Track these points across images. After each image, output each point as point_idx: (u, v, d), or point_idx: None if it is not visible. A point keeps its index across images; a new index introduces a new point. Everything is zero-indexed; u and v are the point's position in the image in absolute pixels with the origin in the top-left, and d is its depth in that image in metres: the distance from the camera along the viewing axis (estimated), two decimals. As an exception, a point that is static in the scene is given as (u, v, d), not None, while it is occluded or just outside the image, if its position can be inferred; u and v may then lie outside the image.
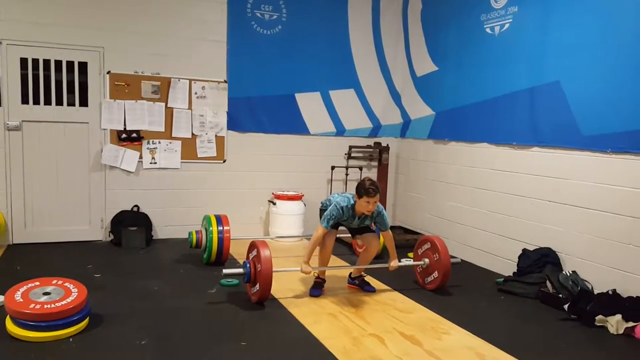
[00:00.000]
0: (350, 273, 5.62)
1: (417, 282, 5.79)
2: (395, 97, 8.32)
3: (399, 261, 5.44)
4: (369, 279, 5.62)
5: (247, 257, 5.12)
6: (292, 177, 7.90)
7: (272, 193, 7.60)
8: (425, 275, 5.64)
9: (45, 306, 3.96)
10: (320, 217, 5.27)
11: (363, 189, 4.89)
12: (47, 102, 6.62)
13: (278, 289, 5.25)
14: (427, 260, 5.60)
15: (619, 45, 4.94)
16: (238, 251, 6.55)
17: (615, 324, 4.49)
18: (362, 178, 5.25)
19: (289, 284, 5.53)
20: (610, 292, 4.83)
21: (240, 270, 5.00)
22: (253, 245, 5.05)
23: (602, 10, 5.10)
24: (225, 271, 4.98)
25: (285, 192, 7.58)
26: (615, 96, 4.96)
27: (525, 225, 5.97)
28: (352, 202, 5.08)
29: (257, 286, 4.84)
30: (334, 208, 5.07)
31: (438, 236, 5.79)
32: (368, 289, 5.46)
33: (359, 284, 5.51)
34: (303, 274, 5.14)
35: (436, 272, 5.48)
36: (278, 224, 7.47)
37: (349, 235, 5.64)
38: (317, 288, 5.31)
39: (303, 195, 7.61)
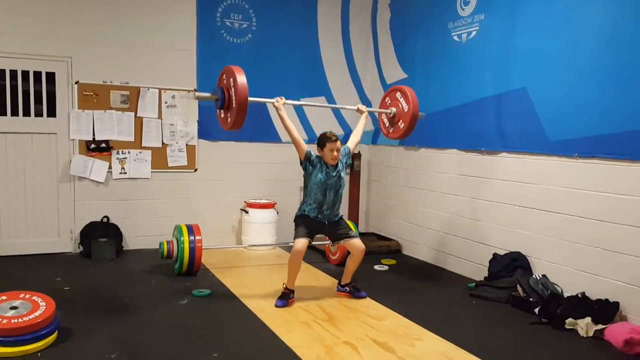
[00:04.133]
0: (339, 281, 5.58)
1: (380, 130, 5.94)
2: (366, 104, 8.32)
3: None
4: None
5: (220, 84, 5.12)
6: (264, 185, 7.87)
7: (244, 201, 7.56)
8: (391, 125, 5.73)
9: (13, 321, 3.89)
10: (296, 228, 5.26)
11: (324, 138, 5.17)
12: (14, 112, 6.52)
13: (250, 296, 5.26)
14: (394, 109, 5.70)
15: (583, 51, 5.02)
16: (210, 261, 6.51)
17: (585, 326, 4.55)
18: None
19: (262, 291, 5.51)
20: (579, 295, 4.90)
21: (213, 94, 5.07)
22: (225, 71, 5.05)
23: (567, 18, 5.18)
24: (197, 94, 5.01)
25: (258, 201, 7.55)
26: (580, 102, 5.03)
27: (495, 230, 6.03)
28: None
29: (230, 113, 4.82)
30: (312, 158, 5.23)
31: (408, 87, 5.83)
32: (359, 294, 5.44)
33: (350, 291, 5.47)
34: (275, 108, 5.31)
35: (401, 121, 5.55)
36: (251, 233, 7.42)
37: (322, 242, 5.61)
38: (284, 299, 5.17)
39: (275, 204, 7.58)
